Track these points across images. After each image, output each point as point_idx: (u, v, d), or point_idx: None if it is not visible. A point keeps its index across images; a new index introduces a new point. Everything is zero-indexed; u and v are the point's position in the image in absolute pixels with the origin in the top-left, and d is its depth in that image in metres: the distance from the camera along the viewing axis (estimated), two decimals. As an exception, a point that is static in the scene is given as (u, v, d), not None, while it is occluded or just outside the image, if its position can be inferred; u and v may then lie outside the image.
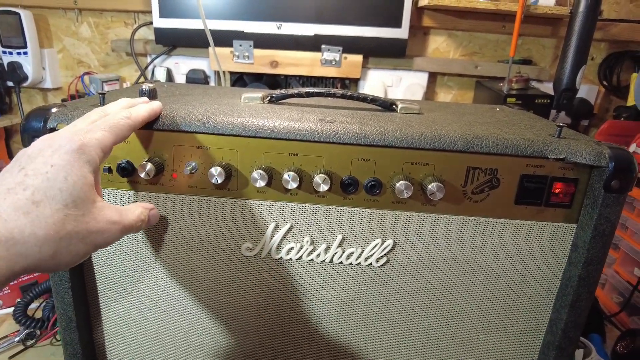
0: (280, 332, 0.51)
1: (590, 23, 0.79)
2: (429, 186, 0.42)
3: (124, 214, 0.37)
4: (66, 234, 0.31)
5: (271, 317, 0.50)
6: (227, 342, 0.51)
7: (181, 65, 1.05)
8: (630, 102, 1.03)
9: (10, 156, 1.19)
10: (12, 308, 0.77)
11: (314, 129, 0.43)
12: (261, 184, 0.43)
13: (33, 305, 0.77)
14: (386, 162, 0.44)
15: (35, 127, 0.43)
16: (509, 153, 0.43)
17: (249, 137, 0.44)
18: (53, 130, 0.43)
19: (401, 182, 0.42)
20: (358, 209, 0.46)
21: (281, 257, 0.48)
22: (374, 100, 0.53)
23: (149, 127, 0.44)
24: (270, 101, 0.54)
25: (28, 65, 1.05)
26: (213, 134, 0.44)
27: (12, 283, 0.80)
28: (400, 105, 0.54)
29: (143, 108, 0.41)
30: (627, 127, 0.97)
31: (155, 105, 0.43)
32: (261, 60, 0.98)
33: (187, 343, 0.52)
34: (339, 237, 0.46)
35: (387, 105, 0.54)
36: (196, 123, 0.43)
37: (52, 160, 0.32)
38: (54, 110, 0.44)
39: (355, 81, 1.03)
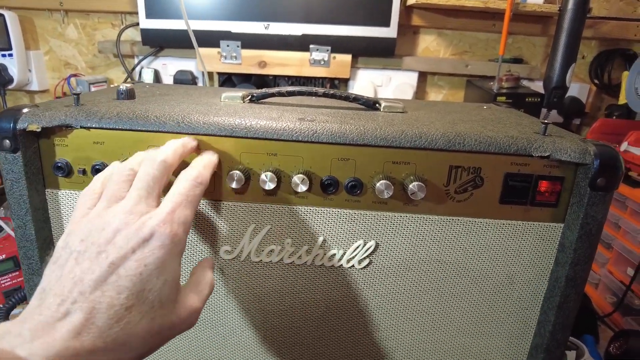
0: (261, 337, 0.49)
1: (579, 20, 0.79)
2: (410, 186, 0.41)
3: (201, 291, 0.35)
4: (152, 336, 0.30)
5: (252, 321, 0.49)
6: (205, 348, 0.50)
7: (169, 66, 1.04)
8: (622, 100, 1.02)
9: (-3, 160, 1.17)
10: (-6, 314, 0.75)
11: (292, 128, 0.42)
12: (239, 184, 0.42)
13: (16, 311, 0.76)
14: (367, 162, 0.43)
15: (5, 128, 0.42)
16: (492, 151, 0.42)
17: (226, 136, 0.42)
18: (24, 131, 0.42)
19: (381, 181, 0.41)
20: (339, 210, 0.44)
21: (261, 260, 0.46)
22: (356, 99, 0.52)
23: (123, 129, 0.43)
24: (250, 100, 0.53)
25: (13, 67, 1.03)
26: (188, 134, 0.42)
27: (-5, 289, 0.79)
28: (383, 104, 0.53)
29: (207, 167, 0.38)
30: (619, 125, 0.96)
31: (215, 158, 0.41)
32: (249, 61, 0.97)
33: (165, 349, 0.50)
34: (320, 239, 0.45)
35: (370, 104, 0.53)
36: (170, 123, 0.42)
37: (144, 257, 0.29)
38: (25, 110, 0.43)
39: (344, 81, 1.02)
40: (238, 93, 0.53)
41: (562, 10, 0.80)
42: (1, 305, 0.76)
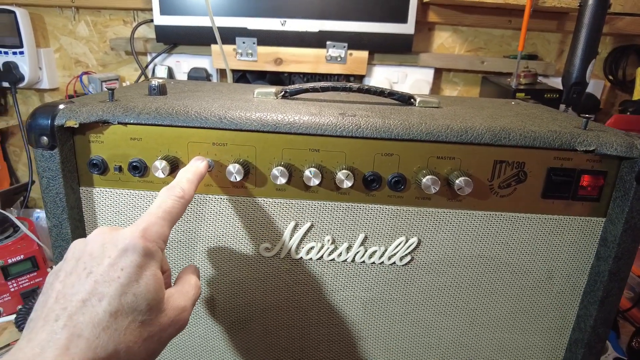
0: (300, 335, 0.49)
1: (599, 16, 0.78)
2: (457, 181, 0.41)
3: (186, 291, 0.36)
4: (144, 341, 0.30)
5: (290, 319, 0.48)
6: (244, 346, 0.49)
7: (182, 63, 1.03)
8: (636, 96, 1.02)
9: (6, 158, 1.16)
10: (14, 315, 0.74)
11: (336, 123, 0.41)
12: (282, 181, 0.41)
13: (35, 312, 0.75)
14: (410, 157, 0.42)
15: (43, 124, 0.41)
16: (536, 146, 0.42)
17: (268, 132, 0.42)
18: (61, 127, 0.41)
19: (428, 177, 0.40)
20: (381, 206, 0.44)
21: (301, 257, 0.46)
22: (391, 94, 0.51)
23: (162, 124, 0.42)
24: (283, 96, 0.53)
25: (24, 65, 1.02)
26: (230, 129, 0.42)
27: (12, 289, 0.78)
28: (418, 99, 0.52)
29: (191, 179, 0.38)
30: (634, 121, 0.96)
31: (202, 166, 0.41)
32: (265, 58, 0.96)
33: (203, 348, 0.50)
34: (361, 236, 0.45)
35: (405, 99, 0.52)
36: (212, 118, 0.41)
37: (121, 263, 0.30)
38: (61, 106, 0.42)
39: (360, 78, 1.01)
40: (271, 89, 0.52)
41: (582, 5, 0.80)
42: (21, 307, 0.75)
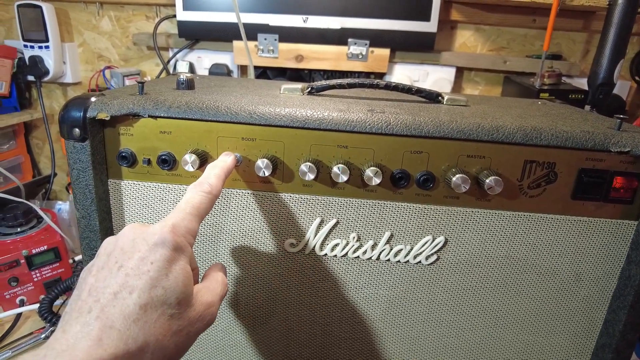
0: (322, 332, 0.49)
1: (630, 15, 0.77)
2: (487, 180, 0.40)
3: (213, 287, 0.36)
4: (173, 334, 0.30)
5: (313, 315, 0.48)
6: (265, 342, 0.50)
7: (204, 59, 1.03)
8: (664, 98, 1.00)
9: (30, 151, 1.18)
10: (37, 305, 0.76)
11: (365, 120, 0.41)
12: (310, 177, 0.41)
13: (58, 302, 0.76)
14: (440, 155, 0.42)
15: (75, 116, 0.42)
16: (568, 146, 0.41)
17: (297, 128, 0.42)
18: (93, 120, 0.42)
19: (458, 175, 0.40)
20: (408, 204, 0.44)
21: (326, 254, 0.46)
22: (419, 91, 0.51)
23: (193, 118, 0.42)
24: (310, 93, 0.53)
25: (49, 59, 1.03)
26: (260, 124, 0.42)
27: (36, 279, 0.79)
28: (446, 97, 0.52)
29: (219, 175, 0.39)
30: (661, 124, 0.94)
31: (230, 161, 0.41)
32: (286, 55, 0.96)
33: (225, 341, 0.50)
34: (387, 234, 0.45)
35: (433, 97, 0.52)
36: (242, 113, 0.42)
37: (151, 257, 0.31)
38: (93, 99, 0.43)
39: (381, 76, 1.01)
40: (297, 85, 0.52)
41: (611, 4, 0.78)
42: (44, 297, 0.76)
